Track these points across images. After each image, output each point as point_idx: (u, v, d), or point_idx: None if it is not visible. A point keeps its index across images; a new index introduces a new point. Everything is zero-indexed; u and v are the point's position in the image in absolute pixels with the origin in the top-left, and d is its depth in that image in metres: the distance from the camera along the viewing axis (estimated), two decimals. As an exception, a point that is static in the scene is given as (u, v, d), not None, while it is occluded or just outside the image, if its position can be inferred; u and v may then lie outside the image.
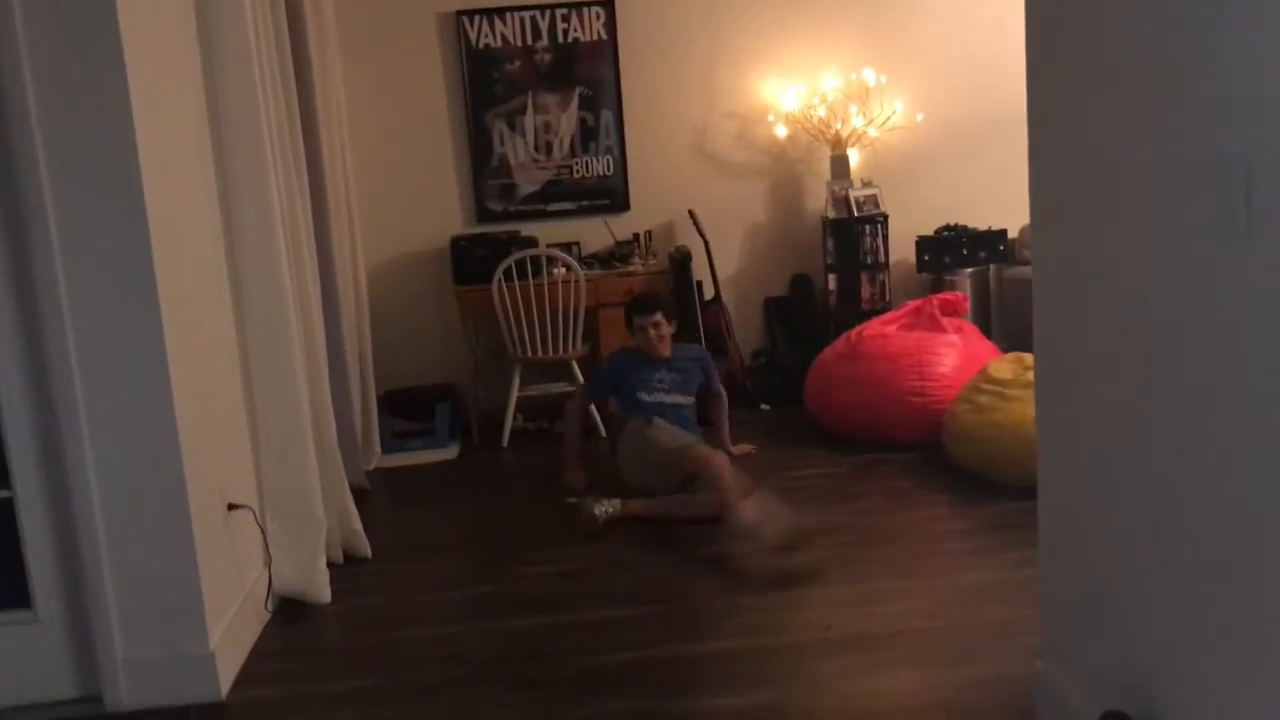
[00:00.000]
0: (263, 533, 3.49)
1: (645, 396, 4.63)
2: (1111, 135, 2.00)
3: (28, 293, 2.80)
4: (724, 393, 4.96)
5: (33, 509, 2.91)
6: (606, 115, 6.08)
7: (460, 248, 5.78)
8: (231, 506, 3.27)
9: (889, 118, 5.98)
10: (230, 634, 3.13)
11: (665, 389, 4.68)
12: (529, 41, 5.95)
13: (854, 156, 6.04)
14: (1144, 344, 1.95)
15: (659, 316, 4.67)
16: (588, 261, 5.93)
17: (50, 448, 2.87)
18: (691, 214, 5.93)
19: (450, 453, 5.45)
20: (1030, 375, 4.19)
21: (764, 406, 5.86)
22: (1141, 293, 1.94)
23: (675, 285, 5.80)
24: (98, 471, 2.86)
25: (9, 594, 2.95)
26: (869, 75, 5.92)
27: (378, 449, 5.42)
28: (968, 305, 5.49)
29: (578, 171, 6.11)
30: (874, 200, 5.94)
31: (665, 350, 4.68)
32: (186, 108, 3.25)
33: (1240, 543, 1.70)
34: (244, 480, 3.45)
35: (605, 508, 4.17)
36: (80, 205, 2.76)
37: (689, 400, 4.75)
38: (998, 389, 4.34)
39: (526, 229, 5.94)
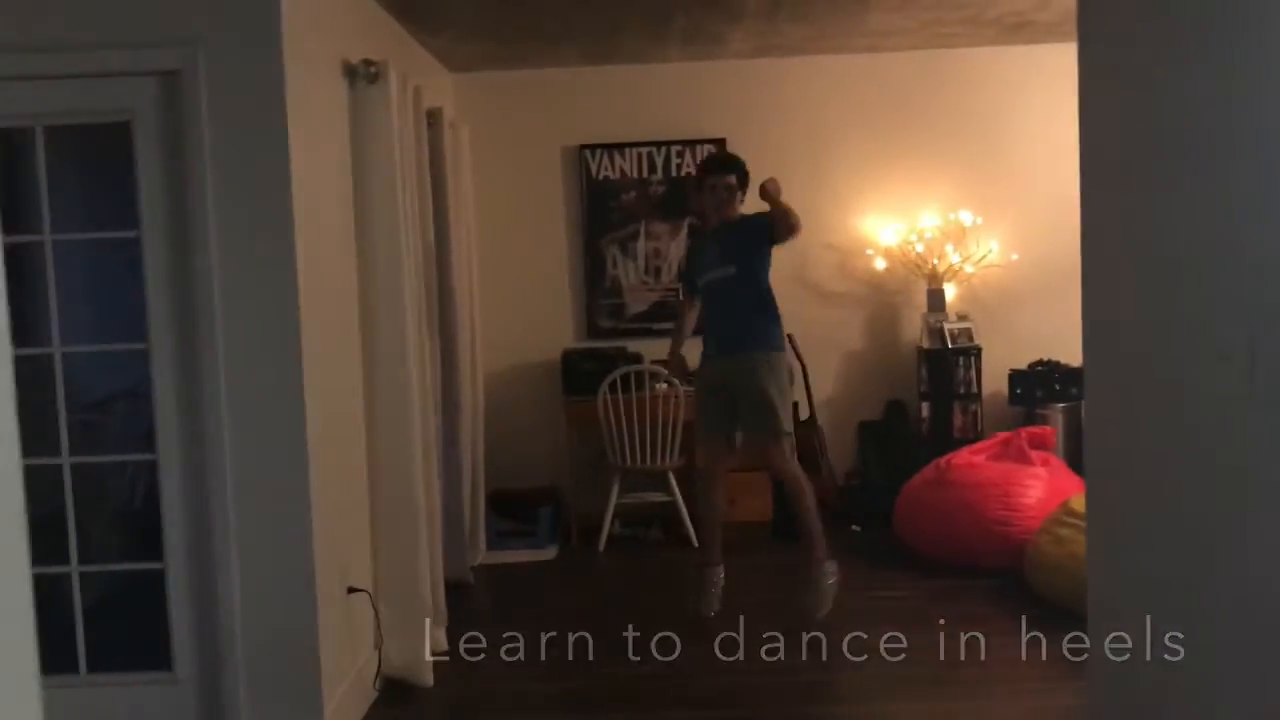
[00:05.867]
0: (376, 616, 3.81)
1: (698, 279, 4.29)
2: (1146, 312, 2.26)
3: (192, 389, 3.22)
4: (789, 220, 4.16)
5: (179, 580, 3.29)
6: (714, 243, 6.44)
7: (571, 360, 6.15)
8: (351, 590, 3.61)
9: (984, 256, 6.21)
10: (341, 708, 3.43)
11: (711, 262, 4.21)
12: (644, 174, 6.39)
13: (950, 290, 6.27)
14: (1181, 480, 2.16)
15: (732, 178, 4.25)
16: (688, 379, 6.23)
17: (199, 527, 3.26)
18: (790, 338, 6.19)
19: (549, 553, 5.73)
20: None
21: (855, 528, 6.00)
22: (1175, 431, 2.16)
23: (772, 405, 6.05)
24: (239, 550, 3.23)
25: (152, 656, 3.33)
26: (965, 216, 6.17)
27: (483, 545, 5.73)
28: (1055, 439, 5.62)
29: (684, 294, 6.47)
30: (968, 333, 6.14)
31: (722, 214, 4.24)
32: (335, 231, 3.70)
33: None
34: (361, 565, 3.79)
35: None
36: (239, 296, 3.20)
37: (730, 271, 4.23)
38: (1078, 522, 4.45)
39: (633, 346, 6.27)
